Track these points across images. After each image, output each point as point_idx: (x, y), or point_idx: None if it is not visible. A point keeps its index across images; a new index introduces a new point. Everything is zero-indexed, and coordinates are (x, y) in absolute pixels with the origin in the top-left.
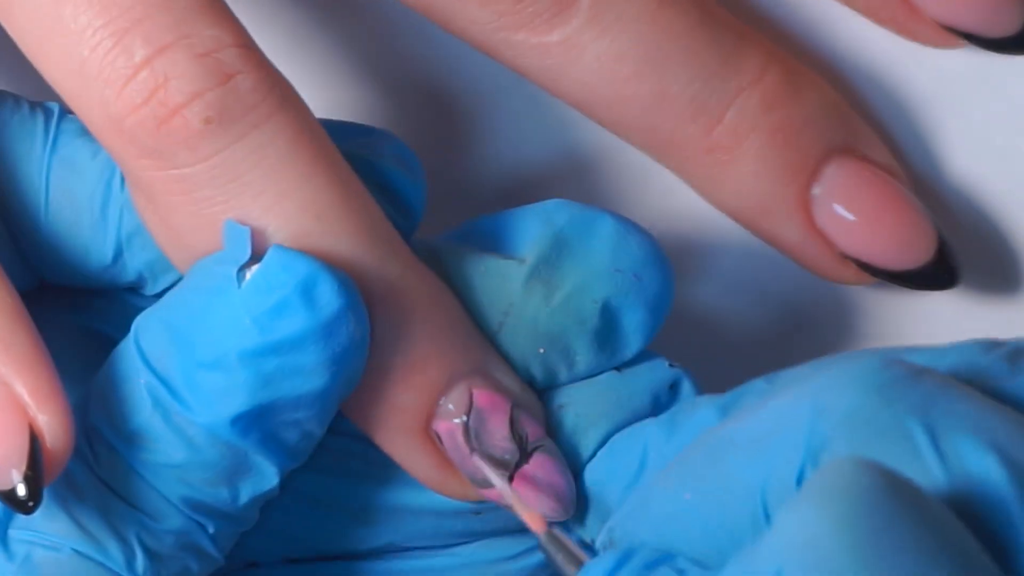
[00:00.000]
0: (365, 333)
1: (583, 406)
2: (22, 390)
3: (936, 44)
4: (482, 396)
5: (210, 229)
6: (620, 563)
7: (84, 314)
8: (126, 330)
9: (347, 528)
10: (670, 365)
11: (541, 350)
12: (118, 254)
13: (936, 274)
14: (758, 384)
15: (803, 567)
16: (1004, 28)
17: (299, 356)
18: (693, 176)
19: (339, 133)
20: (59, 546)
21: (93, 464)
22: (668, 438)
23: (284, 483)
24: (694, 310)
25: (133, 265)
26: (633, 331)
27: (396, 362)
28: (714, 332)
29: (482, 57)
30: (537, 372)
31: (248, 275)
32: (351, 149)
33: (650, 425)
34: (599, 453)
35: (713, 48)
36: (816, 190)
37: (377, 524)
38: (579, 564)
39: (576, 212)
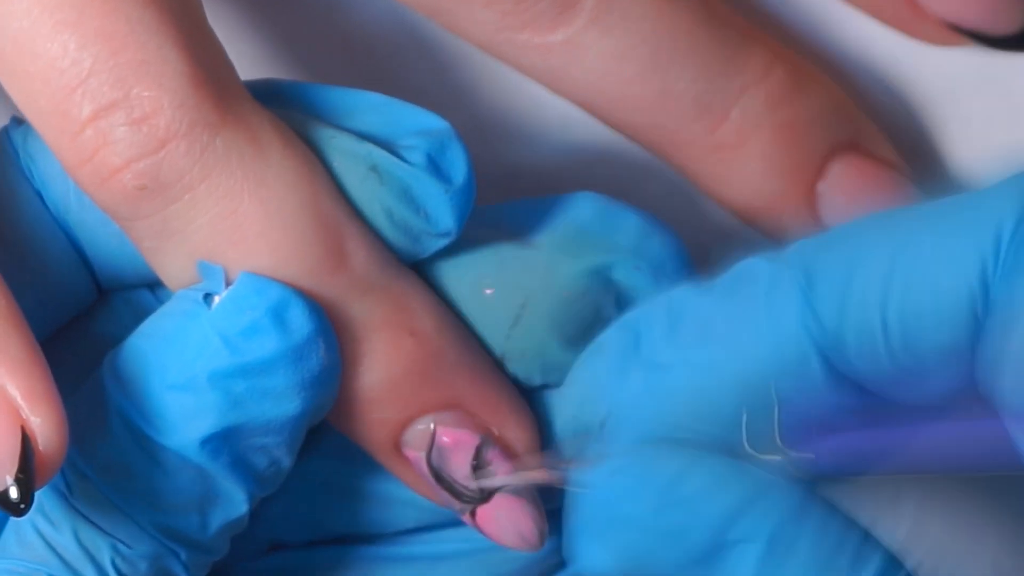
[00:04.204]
0: (335, 362)
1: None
2: (15, 392)
3: (939, 42)
4: (446, 433)
5: (163, 271)
6: None
7: (87, 318)
8: (131, 331)
9: (365, 511)
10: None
11: (559, 339)
12: None
13: None
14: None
15: None
16: (1007, 26)
17: (269, 379)
18: (698, 175)
19: (370, 114)
20: (36, 573)
21: (66, 493)
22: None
23: (297, 469)
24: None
25: None
26: None
27: (357, 397)
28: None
29: (484, 58)
30: (555, 357)
31: (217, 299)
32: (390, 147)
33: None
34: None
35: (717, 46)
36: (822, 187)
37: (392, 507)
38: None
39: (602, 206)
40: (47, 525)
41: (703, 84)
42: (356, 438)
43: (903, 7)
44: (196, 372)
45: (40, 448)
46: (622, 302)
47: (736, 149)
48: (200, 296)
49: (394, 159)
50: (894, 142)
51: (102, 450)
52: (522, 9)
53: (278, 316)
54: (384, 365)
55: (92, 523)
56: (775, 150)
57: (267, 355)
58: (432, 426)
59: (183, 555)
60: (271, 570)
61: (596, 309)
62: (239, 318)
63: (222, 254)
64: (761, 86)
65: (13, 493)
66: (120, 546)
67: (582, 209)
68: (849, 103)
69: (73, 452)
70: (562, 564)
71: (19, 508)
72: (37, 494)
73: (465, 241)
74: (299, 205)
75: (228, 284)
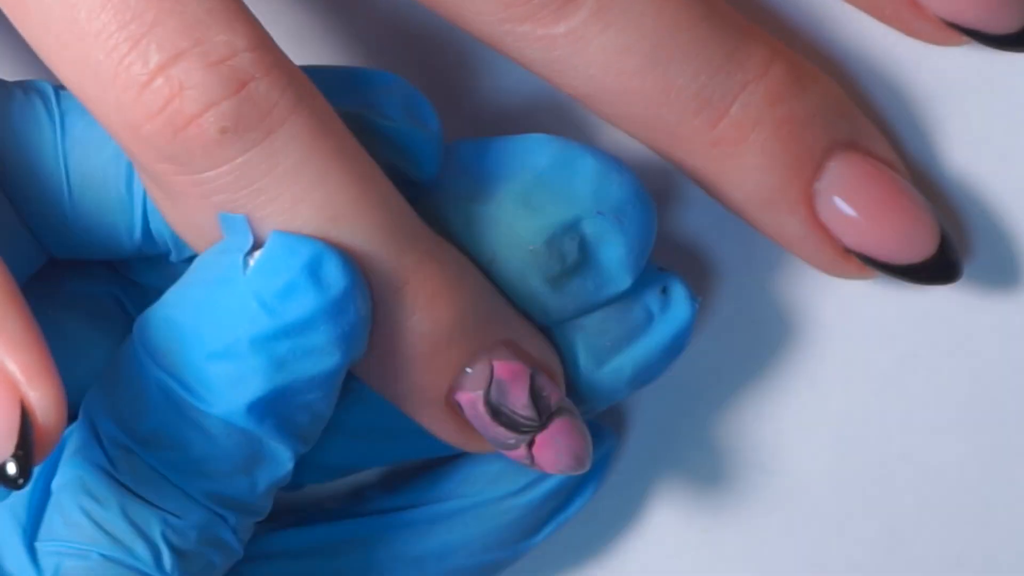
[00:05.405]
0: (369, 309)
1: (593, 336)
2: (13, 367)
3: (938, 41)
4: (502, 368)
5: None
6: None
7: (91, 282)
8: (135, 294)
9: (370, 446)
10: (659, 269)
11: (527, 292)
12: (146, 227)
13: (938, 269)
14: None
15: None
16: (1006, 25)
17: (311, 337)
18: (697, 170)
19: (343, 86)
20: (87, 553)
21: (110, 469)
22: None
23: None
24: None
25: (161, 236)
26: (618, 268)
27: (416, 348)
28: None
29: (483, 57)
30: (536, 314)
31: (251, 261)
32: (357, 109)
33: None
34: None
35: (718, 42)
36: (819, 184)
37: (402, 439)
38: None
39: (557, 151)
40: (93, 504)
41: (703, 79)
42: (400, 397)
43: (903, 6)
44: (237, 338)
45: (39, 422)
46: (586, 248)
47: (735, 144)
48: (235, 259)
49: (380, 117)
50: (892, 141)
51: (144, 423)
52: (524, 1)
53: (313, 273)
54: (432, 316)
55: (140, 497)
56: (774, 146)
57: (307, 313)
58: (489, 363)
59: (232, 519)
60: (274, 552)
61: (562, 258)
62: (275, 279)
63: (306, 198)
64: (761, 82)
65: (11, 468)
66: (170, 517)
67: (539, 156)
68: (848, 101)
69: (114, 427)
70: (554, 512)
71: (17, 483)
72: (73, 473)
73: (430, 198)
74: (355, 153)
75: (254, 237)
